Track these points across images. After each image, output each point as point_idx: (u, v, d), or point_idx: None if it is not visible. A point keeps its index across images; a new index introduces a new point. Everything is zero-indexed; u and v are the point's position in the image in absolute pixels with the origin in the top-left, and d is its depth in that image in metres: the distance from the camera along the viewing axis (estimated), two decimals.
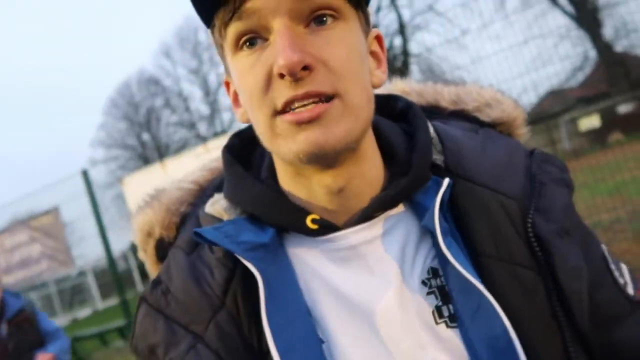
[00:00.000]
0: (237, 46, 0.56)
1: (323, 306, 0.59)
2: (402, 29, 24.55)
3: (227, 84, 0.67)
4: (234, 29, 0.55)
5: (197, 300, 0.60)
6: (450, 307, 0.58)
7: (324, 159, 0.55)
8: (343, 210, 0.61)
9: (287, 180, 0.63)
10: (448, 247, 0.57)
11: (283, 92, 0.53)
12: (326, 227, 0.60)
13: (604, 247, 0.64)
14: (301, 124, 0.53)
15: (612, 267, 0.62)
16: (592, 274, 0.59)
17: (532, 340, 0.54)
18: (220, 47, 0.61)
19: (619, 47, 17.70)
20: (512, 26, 4.16)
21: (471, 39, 4.25)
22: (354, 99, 0.55)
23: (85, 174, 4.22)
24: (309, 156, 0.54)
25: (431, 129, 0.66)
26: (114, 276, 4.20)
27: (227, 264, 0.60)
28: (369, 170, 0.62)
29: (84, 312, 15.94)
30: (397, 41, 24.88)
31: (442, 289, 0.59)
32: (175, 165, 3.94)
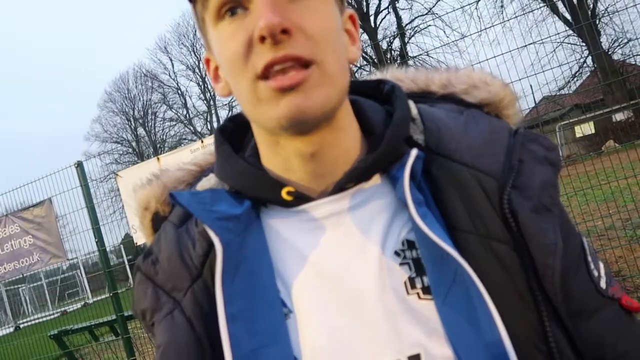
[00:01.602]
0: (219, 16, 0.58)
1: (293, 275, 0.61)
2: (400, 32, 24.60)
3: (208, 61, 0.69)
4: None
5: (179, 270, 0.63)
6: (425, 279, 0.58)
7: (304, 124, 0.56)
8: (318, 182, 0.63)
9: (265, 153, 0.65)
10: (423, 218, 0.57)
11: (263, 55, 0.54)
12: (300, 199, 0.62)
13: (585, 240, 0.64)
14: (283, 90, 0.54)
15: (589, 259, 0.61)
16: (567, 259, 0.58)
17: (508, 313, 0.54)
18: (202, 21, 0.63)
19: (615, 56, 17.83)
20: (511, 31, 4.17)
21: (469, 43, 4.26)
22: (331, 67, 0.57)
23: (79, 166, 4.19)
24: (291, 121, 0.55)
25: (415, 111, 0.67)
26: (105, 270, 4.17)
27: (207, 237, 0.62)
28: (344, 141, 0.63)
29: (74, 306, 15.85)
30: (396, 43, 24.99)
31: (417, 261, 0.59)
32: (170, 160, 3.92)
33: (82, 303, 15.53)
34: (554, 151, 0.64)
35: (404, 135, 0.64)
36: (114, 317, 4.23)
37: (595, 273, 0.61)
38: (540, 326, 0.56)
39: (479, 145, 0.63)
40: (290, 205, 0.63)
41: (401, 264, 0.59)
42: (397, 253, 0.60)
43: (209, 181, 0.70)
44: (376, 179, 0.64)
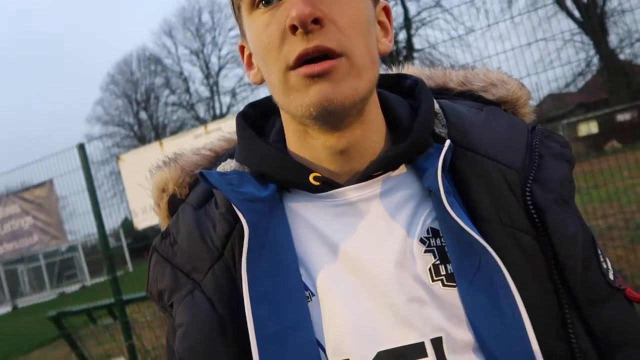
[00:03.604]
0: (254, 4, 0.60)
1: (316, 258, 0.61)
2: (407, 23, 24.45)
3: (242, 48, 0.71)
4: None
5: (199, 251, 0.63)
6: (448, 266, 0.59)
7: (333, 114, 0.57)
8: (345, 171, 0.64)
9: (294, 142, 0.66)
10: (451, 206, 0.58)
11: (295, 45, 0.56)
12: (327, 184, 0.63)
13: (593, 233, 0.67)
14: (313, 76, 0.55)
15: (599, 251, 0.64)
16: (585, 250, 0.61)
17: (530, 300, 0.55)
18: (238, 9, 0.64)
19: (622, 56, 17.72)
20: (517, 28, 4.13)
21: (475, 37, 4.22)
22: (360, 59, 0.58)
23: (81, 148, 4.17)
24: (319, 109, 0.56)
25: (437, 105, 0.69)
26: (105, 253, 4.17)
27: (229, 219, 0.63)
28: (372, 135, 0.65)
29: (72, 288, 15.93)
30: (402, 35, 24.83)
31: (441, 249, 0.60)
32: (173, 145, 3.89)
33: (80, 285, 15.61)
34: (568, 148, 0.68)
35: (430, 127, 0.66)
36: (112, 300, 4.23)
37: (605, 265, 0.64)
38: (559, 313, 0.58)
39: (501, 140, 0.65)
40: (317, 191, 0.63)
41: (426, 251, 0.60)
42: (422, 240, 0.61)
43: (229, 165, 0.70)
44: (402, 169, 0.66)
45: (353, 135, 0.62)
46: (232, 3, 0.65)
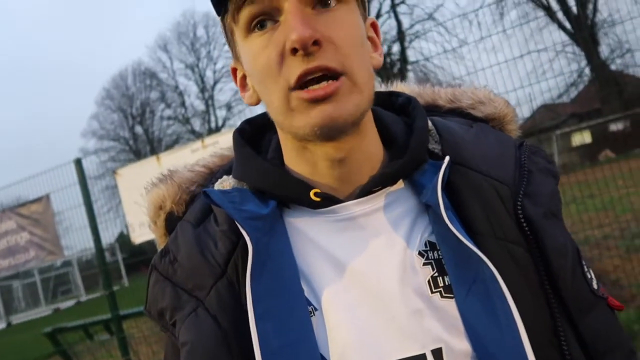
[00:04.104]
0: (249, 29, 0.60)
1: (318, 273, 0.62)
2: (400, 36, 24.67)
3: (234, 70, 0.71)
4: (247, 12, 0.59)
5: (201, 268, 0.64)
6: (446, 278, 0.61)
7: (335, 131, 0.59)
8: (344, 185, 0.65)
9: (292, 157, 0.67)
10: (450, 220, 0.59)
11: (296, 66, 0.57)
12: (328, 200, 0.64)
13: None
14: (316, 100, 0.56)
15: (583, 262, 0.66)
16: (572, 260, 0.63)
17: (524, 310, 0.57)
18: (231, 33, 0.65)
19: (613, 66, 17.93)
20: (509, 39, 4.18)
21: (468, 49, 4.27)
22: (359, 77, 0.59)
23: (78, 163, 4.16)
24: (323, 128, 0.58)
25: (429, 122, 0.71)
26: (102, 268, 4.14)
27: (231, 236, 0.63)
28: (368, 146, 0.66)
29: (67, 303, 15.76)
30: (395, 48, 25.05)
31: (438, 262, 0.62)
32: (170, 159, 3.90)
33: (75, 301, 15.45)
34: (553, 163, 0.71)
35: (425, 144, 0.68)
36: (109, 315, 4.20)
37: (588, 275, 0.66)
38: (552, 322, 0.60)
39: (492, 156, 0.67)
40: (317, 206, 0.64)
41: (424, 264, 0.62)
42: (420, 253, 0.62)
43: (227, 182, 0.71)
44: (400, 184, 0.67)
45: (350, 145, 0.63)
46: (225, 27, 0.66)
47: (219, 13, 0.64)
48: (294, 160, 0.67)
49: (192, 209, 0.71)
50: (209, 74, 33.84)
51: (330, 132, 0.59)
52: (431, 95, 0.79)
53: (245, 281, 0.59)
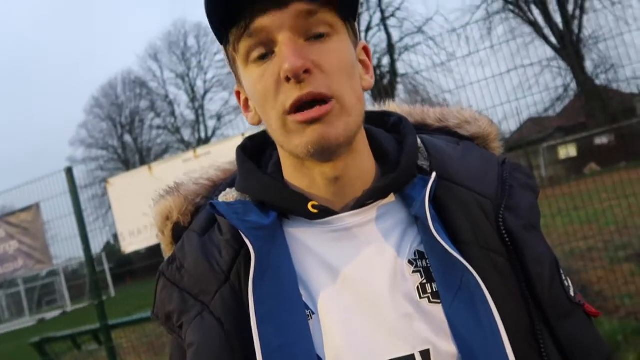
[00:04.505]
0: (248, 59, 0.66)
1: (315, 279, 0.67)
2: (390, 49, 24.93)
3: (238, 94, 0.77)
4: (245, 44, 0.65)
5: (206, 274, 0.68)
6: (434, 285, 0.65)
7: (328, 150, 0.64)
8: (339, 199, 0.70)
9: (291, 173, 0.72)
10: (437, 231, 0.64)
11: (290, 93, 0.62)
12: (324, 212, 0.69)
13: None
14: (309, 122, 0.62)
15: (561, 271, 0.71)
16: (550, 269, 0.68)
17: (505, 314, 0.61)
18: (233, 61, 0.70)
19: (598, 81, 18.25)
20: (497, 54, 4.28)
21: (456, 63, 4.36)
22: (348, 99, 0.64)
23: (69, 172, 4.15)
24: (316, 147, 0.63)
25: (419, 140, 0.76)
26: (91, 277, 4.12)
27: (234, 245, 0.68)
28: (362, 163, 0.71)
29: (52, 314, 15.51)
30: (385, 60, 25.30)
31: (427, 270, 0.66)
32: (162, 169, 3.91)
33: (61, 311, 15.21)
34: (532, 178, 0.76)
35: (415, 161, 0.73)
36: (97, 325, 4.18)
37: (566, 283, 0.70)
38: (531, 325, 0.65)
39: (476, 172, 0.73)
40: (314, 218, 0.69)
41: (414, 271, 0.66)
42: (410, 262, 0.67)
43: (230, 194, 0.75)
44: (391, 197, 0.72)
45: (345, 164, 0.68)
46: (227, 55, 0.71)
47: (221, 42, 0.69)
48: (293, 175, 0.72)
49: (197, 219, 0.76)
50: (199, 83, 33.86)
51: (323, 152, 0.64)
52: (421, 115, 0.85)
53: (247, 286, 0.64)
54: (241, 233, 0.66)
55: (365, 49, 0.75)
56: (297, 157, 0.68)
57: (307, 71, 0.61)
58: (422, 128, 0.83)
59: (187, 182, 0.83)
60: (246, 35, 0.63)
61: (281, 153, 0.73)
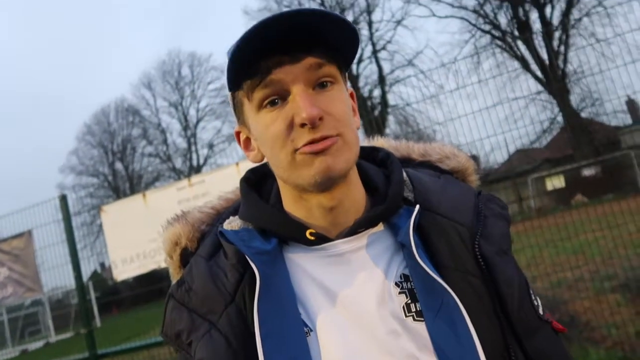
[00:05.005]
0: (261, 106, 0.73)
1: (312, 300, 0.74)
2: (381, 81, 25.43)
3: (238, 133, 0.85)
4: (260, 93, 0.72)
5: (213, 296, 0.75)
6: (417, 305, 0.72)
7: (331, 180, 0.71)
8: (334, 227, 0.77)
9: (290, 204, 0.80)
10: (420, 257, 0.72)
11: (304, 136, 0.70)
12: (321, 239, 0.76)
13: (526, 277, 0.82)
14: (317, 153, 0.70)
15: (531, 291, 0.79)
16: (520, 288, 0.76)
17: (481, 331, 0.69)
18: (240, 105, 0.78)
19: (584, 114, 18.66)
20: (485, 87, 4.44)
21: (445, 97, 4.50)
22: (349, 137, 0.73)
23: (63, 199, 4.17)
24: (323, 177, 0.70)
25: (404, 174, 0.84)
26: (82, 305, 4.10)
27: (239, 268, 0.75)
28: (354, 194, 0.79)
29: (35, 344, 15.12)
30: (376, 92, 25.78)
31: (411, 291, 0.73)
32: (156, 197, 3.95)
33: (44, 342, 14.83)
34: (506, 209, 0.85)
35: (401, 193, 0.81)
36: (86, 354, 4.13)
37: (535, 302, 0.78)
38: (503, 341, 0.72)
39: (455, 203, 0.81)
40: (312, 244, 0.77)
41: (400, 292, 0.74)
42: (396, 284, 0.74)
43: (234, 222, 0.83)
44: (380, 226, 0.80)
45: (340, 194, 0.75)
46: (234, 99, 0.78)
47: (231, 89, 0.77)
48: (292, 206, 0.79)
49: (203, 245, 0.83)
50: (192, 112, 34.16)
51: (327, 182, 0.71)
52: (406, 150, 0.95)
53: (252, 306, 0.71)
54: (247, 258, 0.73)
55: (352, 95, 0.84)
56: (299, 189, 0.75)
57: (320, 118, 0.70)
58: (407, 161, 0.93)
59: (193, 210, 0.90)
60: (262, 86, 0.71)
61: (281, 186, 0.81)
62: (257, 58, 0.70)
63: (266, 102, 0.72)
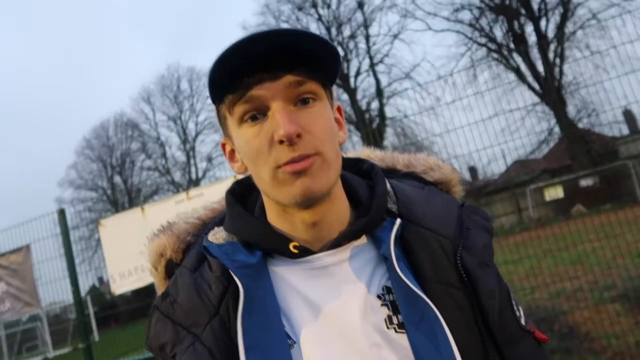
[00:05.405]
0: (242, 120, 0.74)
1: (296, 312, 0.74)
2: (379, 94, 25.57)
3: (224, 145, 0.85)
4: (241, 108, 0.73)
5: (198, 308, 0.75)
6: (399, 317, 0.73)
7: (312, 200, 0.72)
8: (317, 240, 0.78)
9: (274, 217, 0.80)
10: (401, 270, 0.72)
11: (284, 153, 0.70)
12: (304, 251, 0.77)
13: (508, 287, 0.83)
14: (297, 173, 0.70)
15: (513, 302, 0.79)
16: (501, 300, 0.76)
17: (461, 342, 0.69)
18: (224, 118, 0.78)
19: (580, 125, 18.75)
20: (482, 99, 4.48)
21: (442, 109, 4.53)
22: (329, 155, 0.73)
23: (62, 213, 4.17)
24: (303, 198, 0.71)
25: (388, 185, 0.84)
26: (80, 320, 4.08)
27: (223, 281, 0.75)
28: (338, 207, 0.79)
29: None
30: (374, 104, 25.90)
31: (393, 303, 0.74)
32: (155, 210, 3.96)
33: (42, 357, 14.68)
34: (489, 221, 0.85)
35: (385, 206, 0.82)
36: None
37: (517, 313, 0.79)
38: (484, 353, 0.73)
39: (438, 215, 0.81)
40: (295, 257, 0.77)
41: (382, 304, 0.74)
42: (378, 296, 0.75)
43: (219, 234, 0.82)
44: (363, 239, 0.81)
45: (323, 211, 0.76)
46: (218, 112, 0.78)
47: (214, 102, 0.77)
48: (276, 219, 0.79)
49: (188, 256, 0.83)
50: (191, 125, 34.27)
51: (307, 202, 0.72)
52: (391, 160, 0.96)
53: (236, 319, 0.71)
54: (231, 272, 0.73)
55: (339, 109, 0.85)
56: (281, 205, 0.76)
57: (298, 135, 0.70)
58: (392, 172, 0.93)
59: (179, 221, 0.89)
60: (242, 101, 0.72)
61: (265, 199, 0.81)
62: (238, 75, 0.71)
63: (247, 116, 0.73)
